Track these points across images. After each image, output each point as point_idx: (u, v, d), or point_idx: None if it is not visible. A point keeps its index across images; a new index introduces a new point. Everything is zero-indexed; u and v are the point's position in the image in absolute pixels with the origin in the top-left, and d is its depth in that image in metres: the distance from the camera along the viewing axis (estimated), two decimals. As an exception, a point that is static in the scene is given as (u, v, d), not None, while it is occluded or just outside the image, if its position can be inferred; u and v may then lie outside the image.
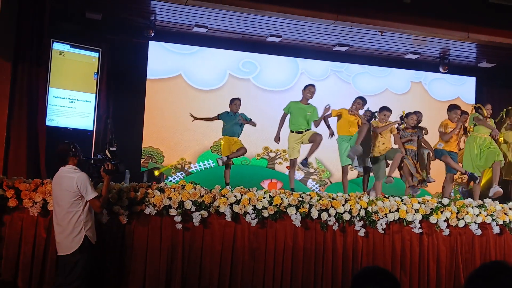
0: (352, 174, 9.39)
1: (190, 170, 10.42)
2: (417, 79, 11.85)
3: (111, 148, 5.04)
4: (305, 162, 7.76)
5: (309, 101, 7.91)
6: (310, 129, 7.81)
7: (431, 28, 8.79)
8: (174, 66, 10.55)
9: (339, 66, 11.38)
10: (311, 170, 10.81)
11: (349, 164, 7.76)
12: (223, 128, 8.21)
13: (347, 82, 11.43)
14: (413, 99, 11.62)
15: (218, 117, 8.28)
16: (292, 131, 7.80)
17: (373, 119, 8.04)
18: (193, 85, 10.63)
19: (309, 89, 7.92)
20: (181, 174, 10.39)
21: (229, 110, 8.22)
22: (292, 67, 11.18)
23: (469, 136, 7.98)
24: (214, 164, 10.16)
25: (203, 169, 10.45)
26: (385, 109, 7.84)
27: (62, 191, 4.74)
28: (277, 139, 7.98)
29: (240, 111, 8.23)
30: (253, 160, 10.64)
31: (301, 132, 7.73)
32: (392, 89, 11.68)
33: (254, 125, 8.20)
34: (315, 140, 7.57)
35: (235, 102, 8.22)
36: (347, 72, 11.51)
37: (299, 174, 10.02)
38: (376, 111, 8.07)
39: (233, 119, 8.10)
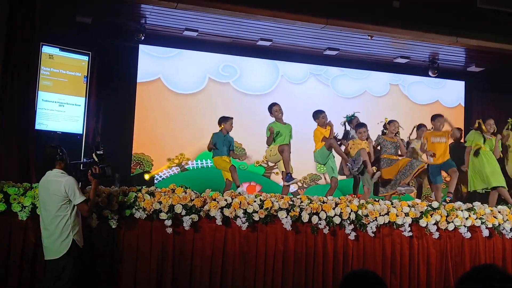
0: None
1: (186, 167, 10.41)
2: (395, 81, 11.79)
3: (98, 152, 5.03)
4: (289, 177, 7.53)
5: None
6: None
7: (420, 33, 8.86)
8: (154, 70, 10.44)
9: (318, 69, 11.29)
10: (299, 183, 10.72)
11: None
12: (215, 150, 7.77)
13: (326, 85, 11.36)
14: (392, 102, 11.60)
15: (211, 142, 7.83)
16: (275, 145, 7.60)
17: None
18: (172, 89, 10.54)
19: (277, 108, 7.75)
20: (177, 169, 10.39)
21: (219, 130, 7.82)
22: (272, 70, 11.07)
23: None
24: (212, 164, 10.14)
25: (200, 167, 10.40)
26: (360, 127, 7.69)
27: (50, 195, 4.72)
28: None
29: (220, 115, 7.98)
30: (251, 166, 10.64)
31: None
32: (371, 91, 11.62)
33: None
34: (283, 150, 7.49)
35: (230, 121, 7.87)
36: (326, 75, 11.41)
37: (291, 187, 10.02)
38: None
39: (225, 142, 7.75)
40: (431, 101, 11.82)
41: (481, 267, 2.35)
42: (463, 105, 11.96)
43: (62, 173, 4.82)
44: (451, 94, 12.00)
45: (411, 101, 11.80)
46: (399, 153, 7.64)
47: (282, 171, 7.68)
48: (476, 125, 8.20)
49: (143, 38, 9.53)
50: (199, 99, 10.56)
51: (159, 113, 10.37)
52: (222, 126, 7.82)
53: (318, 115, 7.79)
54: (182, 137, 10.40)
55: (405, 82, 11.85)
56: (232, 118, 7.99)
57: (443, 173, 7.94)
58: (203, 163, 10.47)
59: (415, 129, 8.47)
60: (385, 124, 7.91)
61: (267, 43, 10.20)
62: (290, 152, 7.58)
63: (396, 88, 11.83)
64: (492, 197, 7.83)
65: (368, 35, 9.22)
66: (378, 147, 7.70)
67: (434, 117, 7.93)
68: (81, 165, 5.11)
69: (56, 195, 4.69)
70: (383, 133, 7.84)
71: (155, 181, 9.72)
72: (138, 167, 10.09)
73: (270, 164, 10.38)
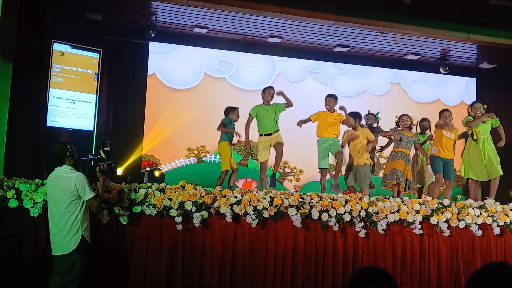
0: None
1: (204, 159, 10.47)
2: (396, 80, 11.72)
3: (105, 149, 5.07)
4: (272, 179, 7.62)
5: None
6: (278, 129, 7.73)
7: (431, 29, 8.80)
8: (149, 65, 10.45)
9: (316, 67, 11.24)
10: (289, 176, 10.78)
11: (326, 168, 7.75)
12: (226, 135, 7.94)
13: (325, 84, 11.25)
14: (392, 101, 11.52)
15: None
16: (261, 135, 7.69)
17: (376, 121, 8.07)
18: (167, 84, 10.55)
19: (269, 91, 7.79)
20: (194, 160, 10.45)
21: (230, 117, 7.99)
22: (269, 66, 11.05)
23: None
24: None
25: (217, 162, 10.46)
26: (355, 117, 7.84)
27: (60, 191, 4.74)
28: (247, 144, 7.87)
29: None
30: (250, 162, 10.66)
31: (270, 134, 7.65)
32: (371, 90, 11.54)
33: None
34: (277, 149, 7.59)
35: (236, 111, 8.05)
36: (324, 73, 11.36)
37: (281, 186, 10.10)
38: (378, 113, 8.12)
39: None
40: (433, 100, 11.74)
41: (492, 265, 2.34)
42: (467, 103, 11.80)
43: (72, 169, 4.84)
44: (452, 92, 11.89)
45: (412, 99, 11.72)
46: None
47: (261, 163, 7.71)
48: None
49: (153, 35, 9.56)
50: (194, 94, 10.59)
51: (167, 110, 10.41)
52: (230, 115, 7.98)
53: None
54: (190, 133, 10.45)
55: (406, 80, 11.75)
56: (238, 108, 8.10)
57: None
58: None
59: (418, 123, 8.39)
60: (397, 121, 7.91)
61: (277, 40, 10.19)
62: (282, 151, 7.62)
63: (397, 86, 11.74)
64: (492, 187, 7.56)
65: (379, 32, 9.19)
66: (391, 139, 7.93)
67: (441, 113, 7.83)
68: (92, 161, 5.13)
69: (66, 191, 4.71)
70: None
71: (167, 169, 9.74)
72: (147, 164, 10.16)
73: (287, 170, 10.43)
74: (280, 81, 10.90)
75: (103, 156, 5.05)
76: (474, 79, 12.03)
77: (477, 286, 2.22)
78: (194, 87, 10.71)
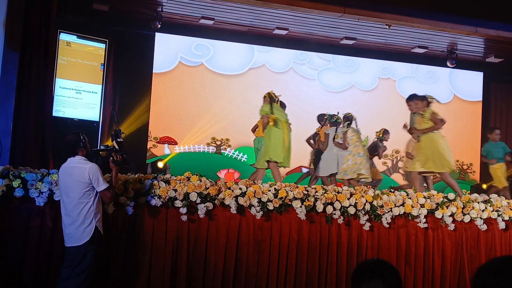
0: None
1: (223, 151, 10.53)
2: (385, 75, 11.53)
3: (118, 140, 5.03)
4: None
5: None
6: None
7: (439, 22, 8.74)
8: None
9: (301, 59, 11.07)
10: None
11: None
12: None
13: (311, 79, 11.09)
14: (381, 96, 11.39)
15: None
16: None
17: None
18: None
19: None
20: (213, 149, 10.53)
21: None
22: (247, 53, 10.86)
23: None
24: (247, 158, 10.40)
25: (233, 157, 10.51)
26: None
27: (73, 181, 4.71)
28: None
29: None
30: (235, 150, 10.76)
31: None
32: (359, 85, 11.37)
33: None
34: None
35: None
36: (311, 65, 11.15)
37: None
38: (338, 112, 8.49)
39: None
40: None
41: (500, 259, 2.32)
42: (448, 101, 11.69)
43: (85, 159, 4.82)
44: (443, 89, 11.71)
45: (402, 96, 11.26)
46: None
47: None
48: None
49: (159, 26, 9.54)
50: (170, 78, 10.54)
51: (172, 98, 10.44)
52: None
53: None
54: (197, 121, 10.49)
55: (395, 76, 11.57)
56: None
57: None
58: (239, 155, 10.53)
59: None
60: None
61: (283, 32, 10.15)
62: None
63: (386, 82, 11.54)
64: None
65: (386, 24, 9.13)
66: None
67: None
68: (107, 151, 5.10)
69: (80, 181, 4.68)
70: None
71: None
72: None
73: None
74: (262, 69, 10.83)
75: (117, 147, 5.01)
76: (468, 74, 11.90)
77: (483, 278, 2.21)
78: (170, 71, 10.61)
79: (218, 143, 10.54)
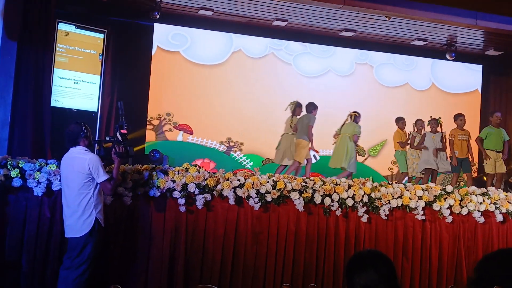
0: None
1: (230, 153, 10.56)
2: (362, 60, 11.36)
3: (122, 131, 4.98)
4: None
5: None
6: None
7: (439, 14, 8.72)
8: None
9: (278, 44, 10.92)
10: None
11: None
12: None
13: (288, 63, 10.99)
14: (358, 82, 11.26)
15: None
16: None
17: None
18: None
19: None
20: (224, 148, 10.54)
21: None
22: (226, 42, 10.74)
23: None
24: (252, 165, 10.44)
25: (239, 161, 10.51)
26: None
27: (74, 172, 4.69)
28: None
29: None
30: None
31: None
32: (335, 70, 11.21)
33: None
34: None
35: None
36: (288, 51, 11.04)
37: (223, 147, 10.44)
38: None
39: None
40: (401, 84, 11.50)
41: (504, 250, 2.33)
42: (427, 87, 11.67)
43: (86, 150, 4.78)
44: (421, 76, 11.64)
45: (379, 82, 11.40)
46: None
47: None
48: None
49: (158, 17, 9.50)
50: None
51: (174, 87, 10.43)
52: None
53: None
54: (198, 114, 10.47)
55: (372, 61, 11.42)
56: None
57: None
58: (246, 161, 10.58)
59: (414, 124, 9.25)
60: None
61: (283, 23, 10.12)
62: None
63: (362, 67, 11.39)
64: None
65: (386, 16, 9.10)
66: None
67: (457, 117, 8.51)
68: (109, 142, 5.06)
69: (80, 172, 4.66)
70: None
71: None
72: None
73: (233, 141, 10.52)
74: (240, 57, 10.74)
75: (120, 138, 4.96)
76: (465, 64, 11.85)
77: (488, 268, 2.22)
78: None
79: (232, 144, 10.51)
